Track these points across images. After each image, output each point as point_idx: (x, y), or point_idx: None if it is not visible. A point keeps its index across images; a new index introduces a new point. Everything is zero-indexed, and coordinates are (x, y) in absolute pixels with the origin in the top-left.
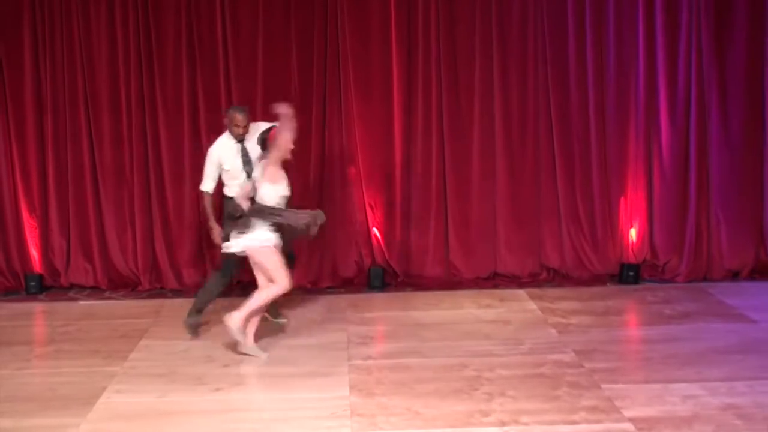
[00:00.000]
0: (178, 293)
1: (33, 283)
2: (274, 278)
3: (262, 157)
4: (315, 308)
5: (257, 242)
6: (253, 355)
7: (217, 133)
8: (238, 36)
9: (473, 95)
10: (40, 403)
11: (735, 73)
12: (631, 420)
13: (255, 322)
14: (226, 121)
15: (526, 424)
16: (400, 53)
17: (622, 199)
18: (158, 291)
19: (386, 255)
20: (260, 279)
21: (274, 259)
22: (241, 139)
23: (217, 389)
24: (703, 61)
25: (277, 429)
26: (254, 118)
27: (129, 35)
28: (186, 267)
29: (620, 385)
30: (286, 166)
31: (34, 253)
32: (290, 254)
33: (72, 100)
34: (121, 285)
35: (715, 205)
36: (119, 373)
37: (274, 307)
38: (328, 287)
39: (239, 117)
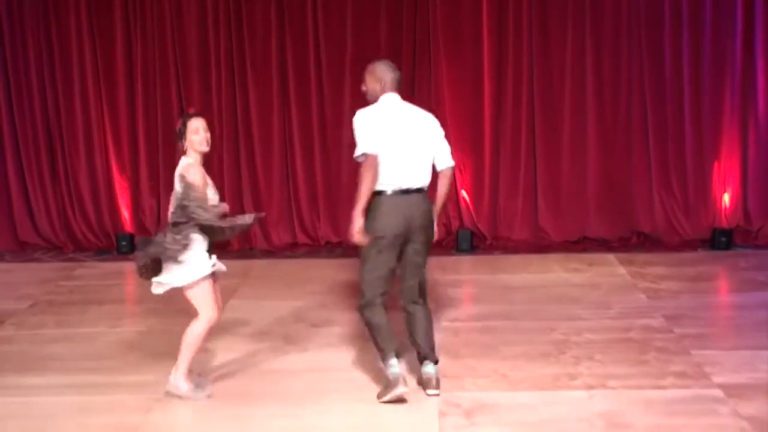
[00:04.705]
0: (267, 254)
1: (124, 243)
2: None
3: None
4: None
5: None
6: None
7: (305, 96)
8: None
9: (564, 59)
10: (130, 361)
11: None
12: (720, 386)
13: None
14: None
15: (613, 388)
16: (491, 17)
17: (715, 163)
18: (248, 251)
19: (474, 218)
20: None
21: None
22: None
23: (306, 349)
24: None
25: (366, 388)
26: (342, 82)
27: (219, 3)
28: (274, 227)
29: (710, 351)
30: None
31: (125, 213)
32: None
33: (162, 65)
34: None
35: None
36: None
37: None
38: None
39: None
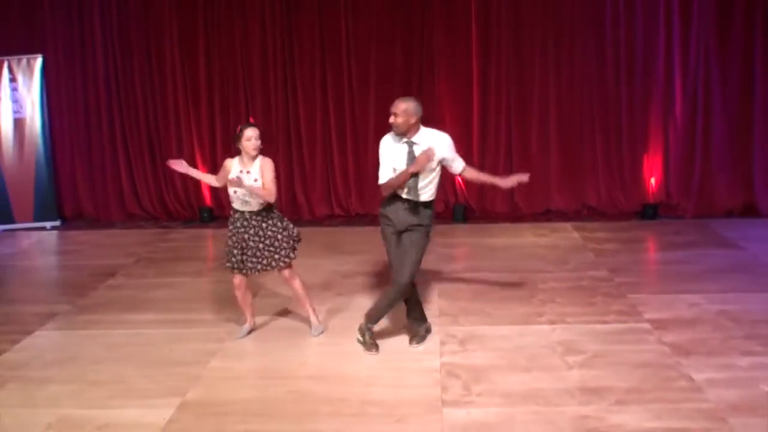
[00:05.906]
0: (311, 223)
1: (205, 214)
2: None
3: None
4: None
5: None
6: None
7: (340, 102)
8: (357, 31)
9: (534, 79)
10: (212, 303)
11: (733, 61)
12: (649, 321)
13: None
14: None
15: (570, 323)
16: (479, 44)
17: (645, 155)
18: (296, 221)
19: (466, 195)
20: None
21: None
22: (401, 135)
23: (340, 294)
24: (710, 50)
25: (386, 324)
26: (367, 93)
27: (276, 35)
28: (317, 203)
29: (641, 295)
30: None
31: (206, 192)
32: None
33: (233, 81)
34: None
35: (715, 160)
36: (266, 285)
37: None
38: None
39: (396, 105)
